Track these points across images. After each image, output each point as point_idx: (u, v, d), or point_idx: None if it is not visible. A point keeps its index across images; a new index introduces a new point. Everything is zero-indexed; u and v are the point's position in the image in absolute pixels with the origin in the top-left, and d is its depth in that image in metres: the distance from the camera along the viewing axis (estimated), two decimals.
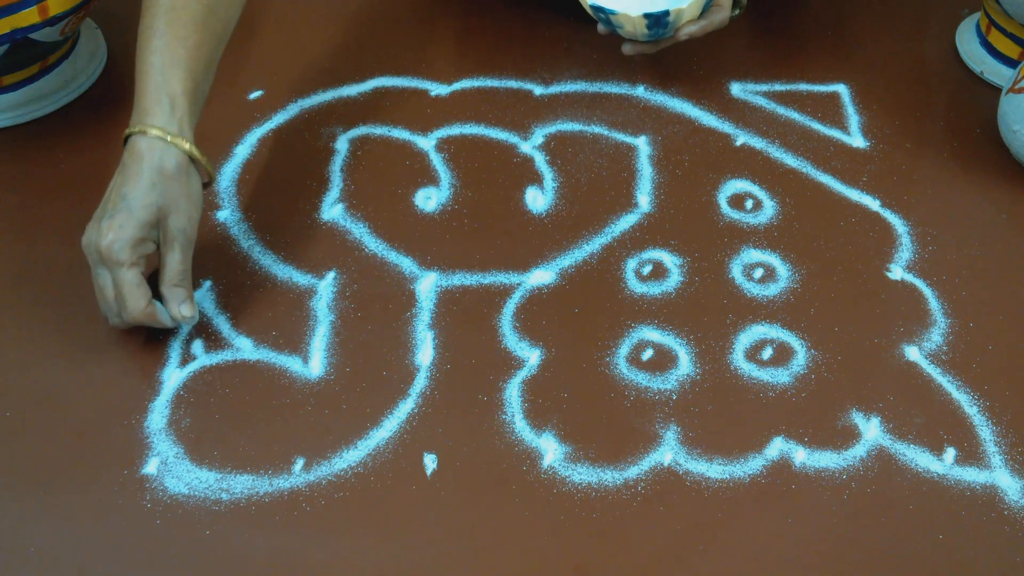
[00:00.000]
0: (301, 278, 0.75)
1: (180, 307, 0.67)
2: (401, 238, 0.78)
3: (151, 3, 0.70)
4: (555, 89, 0.90)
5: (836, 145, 0.86)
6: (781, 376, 0.69)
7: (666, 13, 0.80)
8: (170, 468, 0.64)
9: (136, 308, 0.66)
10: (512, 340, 0.71)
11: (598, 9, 0.83)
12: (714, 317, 0.73)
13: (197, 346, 0.70)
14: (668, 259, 0.77)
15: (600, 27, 0.86)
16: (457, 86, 0.90)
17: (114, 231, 0.65)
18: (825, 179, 0.83)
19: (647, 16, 0.81)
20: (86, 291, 0.73)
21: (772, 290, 0.75)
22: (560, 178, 0.82)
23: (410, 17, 0.98)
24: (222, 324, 0.71)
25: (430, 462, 0.65)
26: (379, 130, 0.86)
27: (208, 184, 0.70)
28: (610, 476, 0.64)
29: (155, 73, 0.68)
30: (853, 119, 0.88)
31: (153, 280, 0.68)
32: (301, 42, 0.95)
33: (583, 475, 0.64)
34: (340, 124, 0.86)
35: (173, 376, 0.69)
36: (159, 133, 0.66)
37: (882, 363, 0.70)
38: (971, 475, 0.65)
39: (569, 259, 0.77)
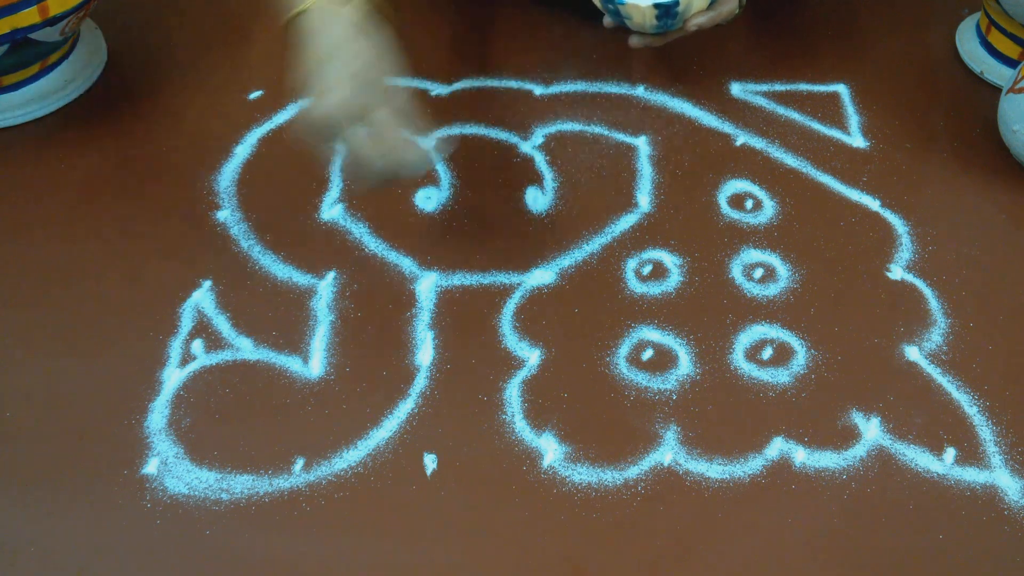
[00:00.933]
0: (301, 278, 0.75)
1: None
2: (401, 238, 0.78)
3: None
4: (555, 89, 0.90)
5: (836, 145, 0.86)
6: (781, 376, 0.69)
7: (676, 3, 0.80)
8: (170, 468, 0.64)
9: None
10: (512, 340, 0.71)
11: (608, 0, 0.82)
12: (714, 317, 0.73)
13: (197, 346, 0.70)
14: (668, 259, 0.77)
15: (606, 19, 0.86)
16: (457, 86, 0.90)
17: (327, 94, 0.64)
18: (825, 179, 0.83)
19: (657, 6, 0.80)
20: (86, 291, 0.73)
21: (772, 290, 0.75)
22: (560, 178, 0.83)
23: (410, 17, 0.98)
24: (222, 324, 0.71)
25: (430, 462, 0.65)
26: None
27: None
28: (610, 476, 0.64)
29: None
30: (853, 119, 0.88)
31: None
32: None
33: (583, 475, 0.64)
34: None
35: (173, 376, 0.69)
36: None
37: (882, 363, 0.70)
38: (971, 475, 0.65)
39: (569, 259, 0.77)
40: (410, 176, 0.66)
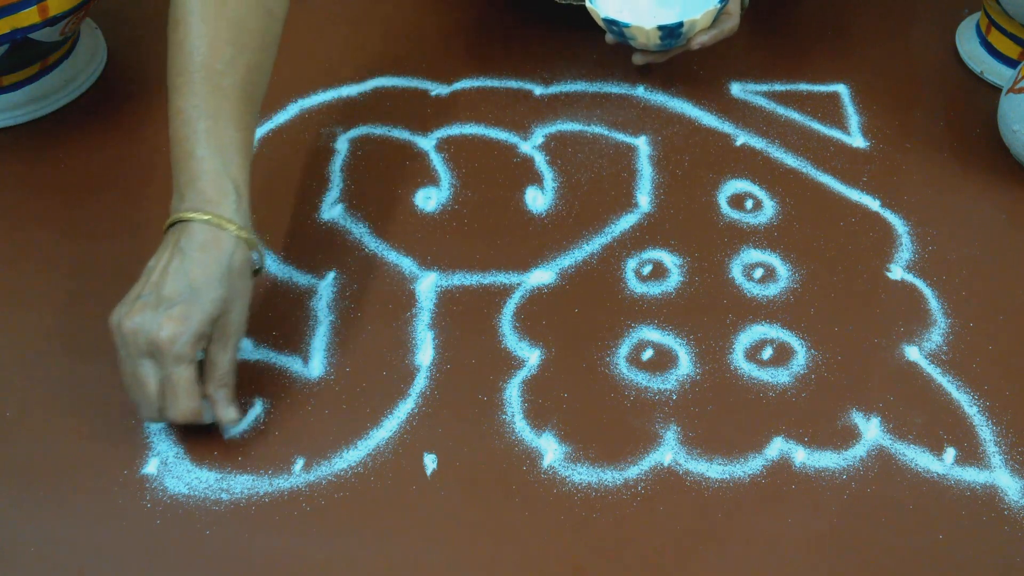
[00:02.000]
0: (301, 278, 0.75)
1: (227, 409, 0.63)
2: (401, 238, 0.78)
3: (184, 72, 0.64)
4: (555, 89, 0.90)
5: (836, 145, 0.86)
6: (781, 376, 0.69)
7: (680, 25, 0.81)
8: (170, 468, 0.64)
9: (188, 408, 0.61)
10: (512, 340, 0.71)
11: (611, 22, 0.83)
12: (714, 317, 0.73)
13: None
14: (668, 259, 0.77)
15: (608, 37, 0.86)
16: (457, 86, 0.90)
17: (178, 323, 0.59)
18: (825, 179, 0.83)
19: (661, 28, 0.81)
20: (86, 291, 0.73)
21: (772, 290, 0.75)
22: (560, 178, 0.83)
23: (410, 17, 0.98)
24: None
25: (430, 462, 0.65)
26: (379, 130, 0.86)
27: (257, 273, 0.66)
28: (610, 476, 0.64)
29: (212, 156, 0.63)
30: (853, 119, 0.88)
31: None
32: (301, 42, 0.95)
33: (583, 475, 0.64)
34: (340, 124, 0.86)
35: None
36: (232, 228, 0.62)
37: (882, 363, 0.70)
38: (971, 475, 0.65)
39: (569, 259, 0.77)
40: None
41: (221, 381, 0.63)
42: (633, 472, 0.64)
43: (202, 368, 0.63)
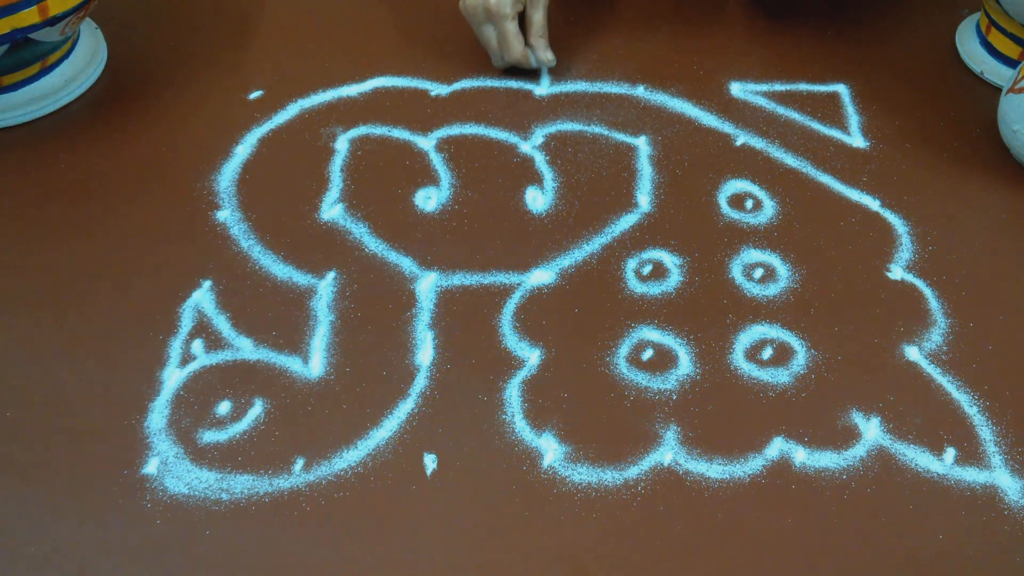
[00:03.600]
0: (301, 278, 0.75)
1: (545, 52, 0.88)
2: (401, 238, 0.78)
3: None
4: (555, 89, 0.90)
5: (836, 145, 0.86)
6: (781, 376, 0.69)
7: None
8: (170, 468, 0.64)
9: (516, 51, 0.86)
10: (512, 340, 0.71)
11: None
12: (714, 317, 0.73)
13: (197, 346, 0.70)
14: (668, 259, 0.77)
15: None
16: (457, 86, 0.90)
17: None
18: (825, 179, 0.83)
19: None
20: (86, 291, 0.73)
21: (772, 290, 0.75)
22: (560, 178, 0.83)
23: (410, 17, 0.98)
24: (222, 324, 0.72)
25: (430, 462, 0.65)
26: (379, 130, 0.86)
27: None
28: (610, 476, 0.64)
29: None
30: (853, 119, 0.88)
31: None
32: (301, 42, 0.95)
33: (583, 475, 0.64)
34: (340, 124, 0.86)
35: (173, 376, 0.69)
36: None
37: (882, 363, 0.70)
38: (971, 475, 0.65)
39: (569, 259, 0.77)
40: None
41: (538, 32, 0.87)
42: (633, 472, 0.64)
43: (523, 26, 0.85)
